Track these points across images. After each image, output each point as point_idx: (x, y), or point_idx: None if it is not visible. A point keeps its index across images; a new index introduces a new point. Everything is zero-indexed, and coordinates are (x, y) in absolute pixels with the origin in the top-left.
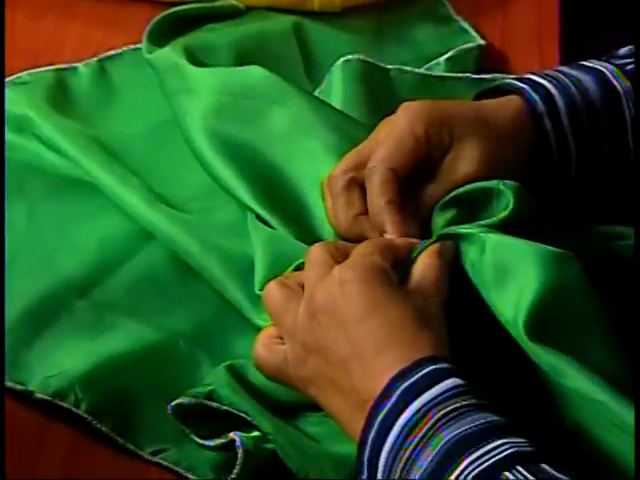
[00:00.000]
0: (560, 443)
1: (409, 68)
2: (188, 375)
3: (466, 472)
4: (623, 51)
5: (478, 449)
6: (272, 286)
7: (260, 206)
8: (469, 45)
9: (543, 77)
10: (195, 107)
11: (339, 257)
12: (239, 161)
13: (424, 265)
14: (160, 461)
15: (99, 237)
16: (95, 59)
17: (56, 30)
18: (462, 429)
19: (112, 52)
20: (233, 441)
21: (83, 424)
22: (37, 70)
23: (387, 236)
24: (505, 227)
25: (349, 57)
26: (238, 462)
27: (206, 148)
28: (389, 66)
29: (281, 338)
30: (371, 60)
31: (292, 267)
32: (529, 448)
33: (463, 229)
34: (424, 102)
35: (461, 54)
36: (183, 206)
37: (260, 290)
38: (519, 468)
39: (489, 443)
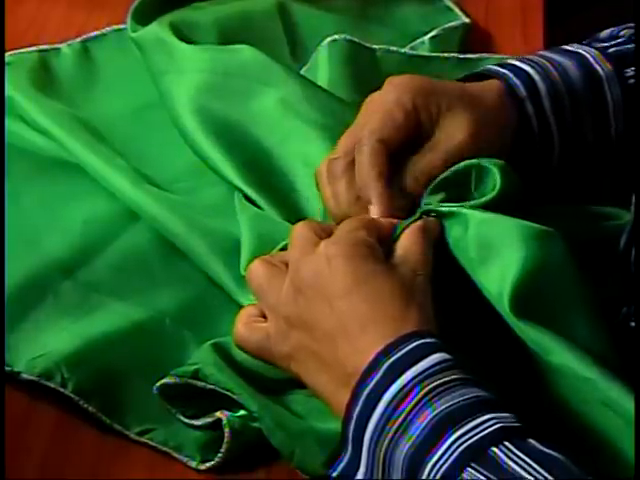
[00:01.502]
0: (547, 420)
1: (395, 48)
2: (174, 354)
3: (453, 447)
4: (603, 35)
5: (465, 424)
6: (256, 264)
7: (247, 186)
8: (453, 24)
9: (524, 62)
10: (183, 86)
11: (323, 234)
12: (227, 140)
13: (408, 241)
14: (147, 441)
15: (84, 218)
16: (78, 40)
17: (38, 11)
18: (448, 404)
19: (95, 33)
20: (220, 420)
21: (68, 404)
22: (19, 51)
23: (372, 208)
24: (492, 206)
25: (335, 37)
26: (225, 441)
27: (194, 127)
28: (375, 46)
29: (262, 317)
30: (357, 40)
31: (277, 248)
32: (516, 423)
33: (446, 207)
34: (410, 76)
35: (446, 33)
36: (169, 186)
37: (245, 271)
38: (506, 443)
39: (476, 418)
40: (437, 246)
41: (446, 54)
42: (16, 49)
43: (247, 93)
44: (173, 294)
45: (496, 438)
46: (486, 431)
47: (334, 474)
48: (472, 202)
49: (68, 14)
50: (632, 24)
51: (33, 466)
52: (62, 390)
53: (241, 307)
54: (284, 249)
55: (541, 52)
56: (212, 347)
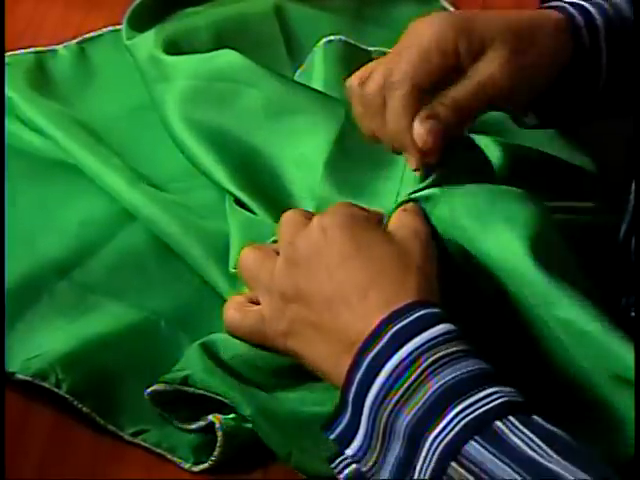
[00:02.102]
0: (545, 392)
1: (390, 50)
2: (169, 355)
3: (457, 419)
4: None
5: (469, 397)
6: (246, 250)
7: (238, 189)
8: None
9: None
10: (171, 94)
11: (312, 217)
12: (216, 144)
13: (398, 218)
14: (141, 442)
15: (80, 218)
16: (75, 41)
17: (35, 12)
18: (453, 375)
19: (92, 34)
20: (213, 423)
21: (65, 405)
22: (16, 52)
23: (408, 158)
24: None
25: (331, 38)
26: (218, 445)
27: (183, 133)
28: (370, 48)
29: (252, 303)
30: (353, 41)
31: (272, 239)
32: (519, 398)
33: (422, 191)
34: (456, 14)
35: None
36: (164, 186)
37: (234, 269)
38: (510, 418)
39: (480, 391)
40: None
41: None
42: (13, 49)
43: (232, 95)
44: (169, 295)
45: (500, 412)
46: (490, 405)
47: (331, 436)
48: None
49: (65, 14)
50: None
51: (31, 466)
52: (56, 390)
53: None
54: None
55: None
56: (200, 349)
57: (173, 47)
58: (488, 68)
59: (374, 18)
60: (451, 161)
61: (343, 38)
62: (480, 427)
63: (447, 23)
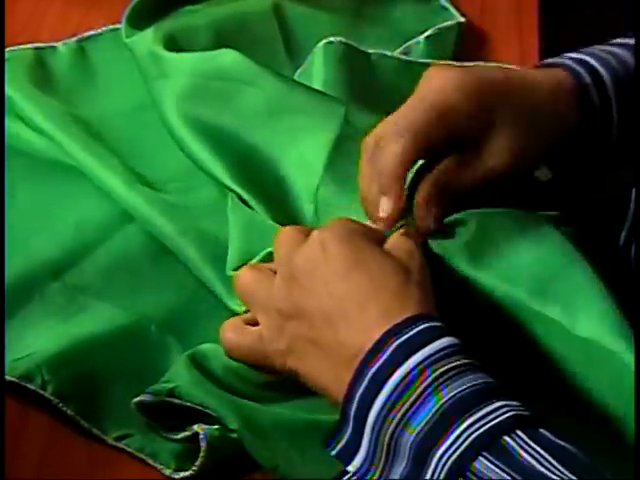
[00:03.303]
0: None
1: (390, 53)
2: (158, 360)
3: (464, 435)
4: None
5: (476, 412)
6: (243, 270)
7: (239, 186)
8: (448, 23)
9: (581, 53)
10: (169, 91)
11: (308, 233)
12: (215, 141)
13: (396, 238)
14: (124, 447)
15: (76, 220)
16: (74, 39)
17: (34, 10)
18: (459, 389)
19: (92, 32)
20: (197, 434)
21: (61, 413)
22: (16, 47)
23: (384, 200)
24: None
25: (331, 39)
26: (201, 454)
27: (183, 132)
28: (370, 50)
29: (250, 324)
30: (353, 43)
31: (261, 255)
32: (526, 412)
33: None
34: (477, 70)
35: (441, 32)
36: (163, 186)
37: (233, 270)
38: (519, 432)
39: (487, 405)
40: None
41: (442, 62)
42: (11, 46)
43: (230, 93)
44: (160, 299)
45: (508, 427)
46: (498, 419)
47: (332, 452)
48: None
49: (64, 12)
50: None
51: (30, 467)
52: (42, 392)
53: (228, 313)
54: (268, 259)
55: (590, 48)
56: (188, 360)
57: (172, 44)
58: (492, 154)
59: (373, 17)
60: None
61: (343, 40)
62: (488, 443)
63: (465, 83)
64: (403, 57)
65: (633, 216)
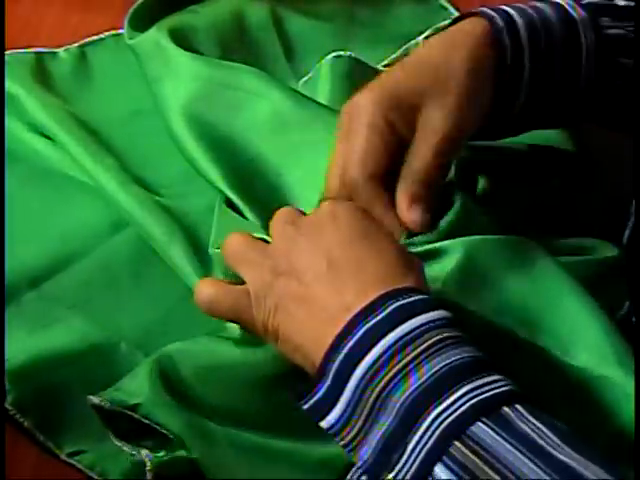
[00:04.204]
0: None
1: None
2: (124, 377)
3: (464, 399)
4: None
5: (476, 379)
6: (233, 235)
7: (236, 195)
8: (447, 22)
9: (501, 6)
10: (177, 92)
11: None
12: (217, 147)
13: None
14: (75, 463)
15: (63, 230)
16: (76, 45)
17: (33, 12)
18: (458, 357)
19: (93, 38)
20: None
21: None
22: (17, 51)
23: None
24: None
25: (340, 53)
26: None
27: (184, 132)
28: (379, 66)
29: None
30: (362, 59)
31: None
32: (521, 391)
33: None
34: (376, 86)
35: (439, 32)
36: (158, 191)
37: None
38: (517, 406)
39: (487, 376)
40: None
41: None
42: (10, 49)
43: (239, 102)
44: (135, 316)
45: (507, 399)
46: (498, 390)
47: (305, 406)
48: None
49: (63, 15)
50: None
51: (30, 466)
52: None
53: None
54: None
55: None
56: (151, 368)
57: (177, 39)
58: (432, 129)
59: (371, 18)
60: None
61: (352, 54)
62: (488, 409)
63: (374, 104)
64: None
65: (635, 217)
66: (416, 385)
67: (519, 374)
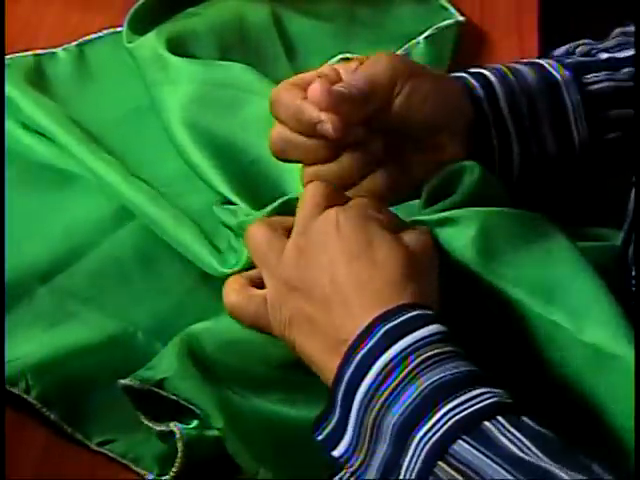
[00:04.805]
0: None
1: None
2: (143, 367)
3: (445, 418)
4: (559, 51)
5: (458, 396)
6: (255, 226)
7: (237, 196)
8: (447, 22)
9: (482, 68)
10: (175, 96)
11: (333, 202)
12: (216, 149)
13: (414, 232)
14: (107, 452)
15: (66, 224)
16: (74, 44)
17: (33, 12)
18: (441, 375)
19: (92, 36)
20: (172, 432)
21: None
22: (16, 55)
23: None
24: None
25: (347, 55)
26: (179, 455)
27: (184, 135)
28: None
29: (255, 285)
30: None
31: (275, 205)
32: (509, 400)
33: (435, 216)
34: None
35: (440, 32)
36: (157, 190)
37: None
38: (499, 418)
39: (469, 391)
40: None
41: (441, 63)
42: (10, 50)
43: (237, 103)
44: (149, 307)
45: (489, 412)
46: (480, 405)
47: (319, 437)
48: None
49: (63, 16)
50: (587, 40)
51: (30, 466)
52: (25, 396)
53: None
54: (287, 211)
55: (499, 64)
56: (180, 346)
57: (175, 47)
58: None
59: (372, 18)
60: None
61: (358, 57)
62: (468, 426)
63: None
64: None
65: (631, 217)
66: (404, 406)
67: (530, 346)
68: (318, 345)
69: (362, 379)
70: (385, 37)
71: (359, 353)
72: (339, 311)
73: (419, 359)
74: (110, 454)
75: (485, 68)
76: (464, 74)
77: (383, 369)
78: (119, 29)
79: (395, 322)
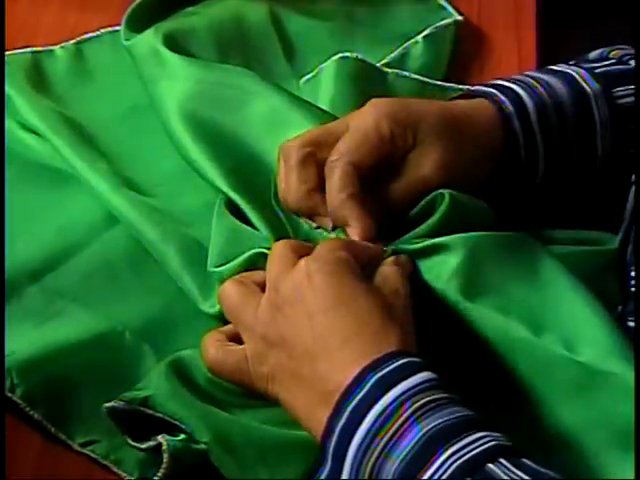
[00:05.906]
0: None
1: (407, 73)
2: (130, 367)
3: (448, 462)
4: (593, 55)
5: (459, 441)
6: (228, 284)
7: (235, 192)
8: (446, 21)
9: (511, 81)
10: (174, 92)
11: (302, 253)
12: (215, 145)
13: (386, 269)
14: (89, 453)
15: (61, 224)
16: (72, 42)
17: (30, 12)
18: (439, 420)
19: (90, 35)
20: (161, 444)
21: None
22: (14, 52)
23: (350, 230)
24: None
25: (347, 54)
26: (163, 465)
27: (182, 131)
28: (388, 70)
29: (232, 340)
30: (369, 60)
31: (244, 257)
32: (508, 442)
33: (414, 243)
34: (393, 101)
35: (438, 31)
36: (152, 189)
37: (215, 267)
38: (501, 460)
39: (469, 435)
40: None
41: (460, 85)
42: (9, 49)
43: (237, 101)
44: (138, 307)
45: (491, 454)
46: (481, 448)
47: None
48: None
49: (61, 15)
50: (623, 45)
51: (30, 466)
52: (9, 395)
53: (205, 323)
54: (254, 264)
55: (528, 72)
56: (168, 368)
57: (174, 44)
58: (420, 166)
59: (370, 18)
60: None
61: (359, 56)
62: (472, 469)
63: (384, 111)
64: (420, 78)
65: (630, 218)
66: (404, 454)
67: (522, 373)
68: (304, 398)
69: (357, 427)
70: (383, 36)
71: (350, 404)
72: (324, 364)
73: (416, 405)
74: (92, 455)
75: (512, 80)
76: (490, 89)
77: (379, 416)
78: (117, 28)
79: (385, 370)
